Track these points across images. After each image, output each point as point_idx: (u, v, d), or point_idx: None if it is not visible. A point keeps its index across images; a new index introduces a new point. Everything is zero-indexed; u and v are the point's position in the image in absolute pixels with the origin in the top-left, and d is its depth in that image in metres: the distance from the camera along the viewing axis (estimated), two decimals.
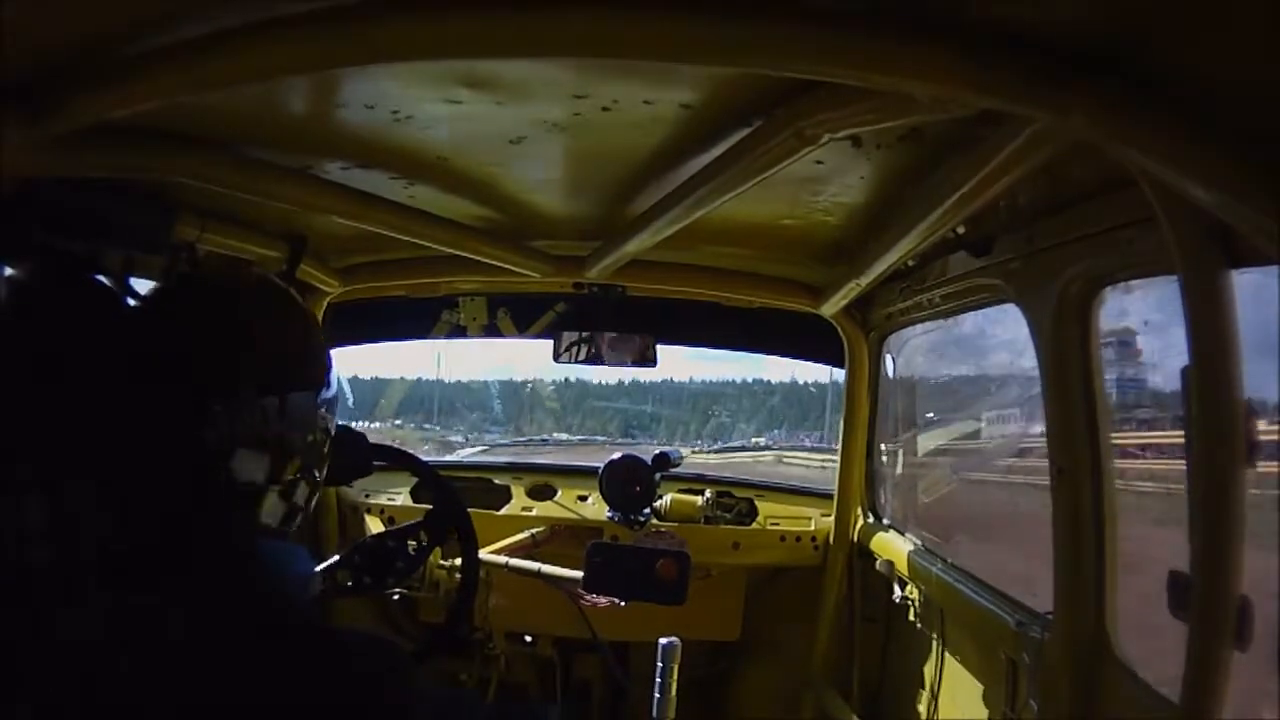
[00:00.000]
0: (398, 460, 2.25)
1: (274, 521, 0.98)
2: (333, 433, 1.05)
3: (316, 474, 1.03)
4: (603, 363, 2.70)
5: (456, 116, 1.35)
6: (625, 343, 2.65)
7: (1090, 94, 0.92)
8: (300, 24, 0.99)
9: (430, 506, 2.20)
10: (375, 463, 2.26)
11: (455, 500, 2.16)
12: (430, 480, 2.22)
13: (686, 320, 2.77)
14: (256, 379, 0.96)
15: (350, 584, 2.09)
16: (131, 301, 1.01)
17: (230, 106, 1.31)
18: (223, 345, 0.96)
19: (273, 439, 0.96)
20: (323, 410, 1.03)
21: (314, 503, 1.04)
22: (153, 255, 1.65)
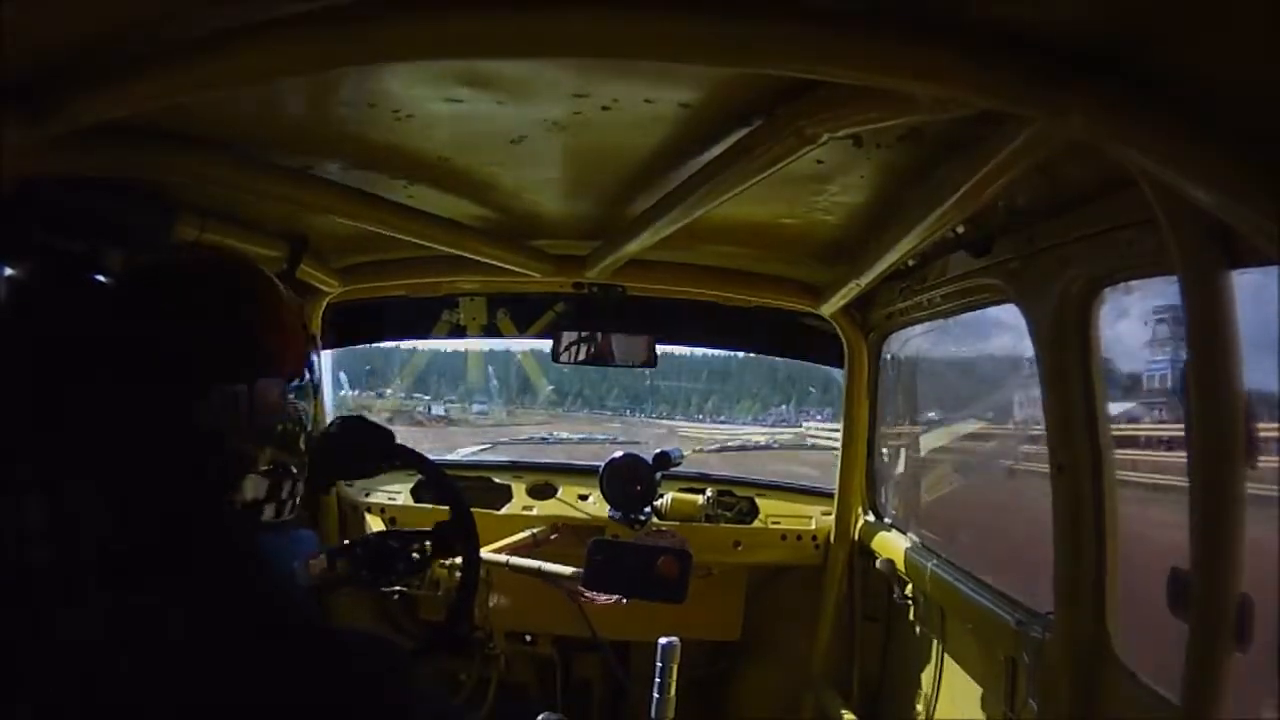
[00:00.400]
0: (411, 463, 2.23)
1: (260, 515, 0.98)
2: (308, 424, 1.04)
3: (294, 467, 1.02)
4: (603, 362, 2.70)
5: (456, 116, 1.35)
6: (625, 342, 2.65)
7: (1090, 94, 0.92)
8: (300, 24, 0.99)
9: (432, 507, 2.19)
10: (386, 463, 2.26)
11: (468, 517, 2.13)
12: (450, 497, 2.17)
13: (686, 320, 2.77)
14: (218, 367, 0.94)
15: (348, 574, 2.08)
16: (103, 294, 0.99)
17: (230, 106, 1.31)
18: (177, 332, 0.94)
19: (241, 429, 0.95)
20: (293, 398, 1.01)
21: (296, 496, 1.03)
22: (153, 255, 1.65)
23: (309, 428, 1.05)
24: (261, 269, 1.06)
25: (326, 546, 2.03)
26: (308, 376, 1.05)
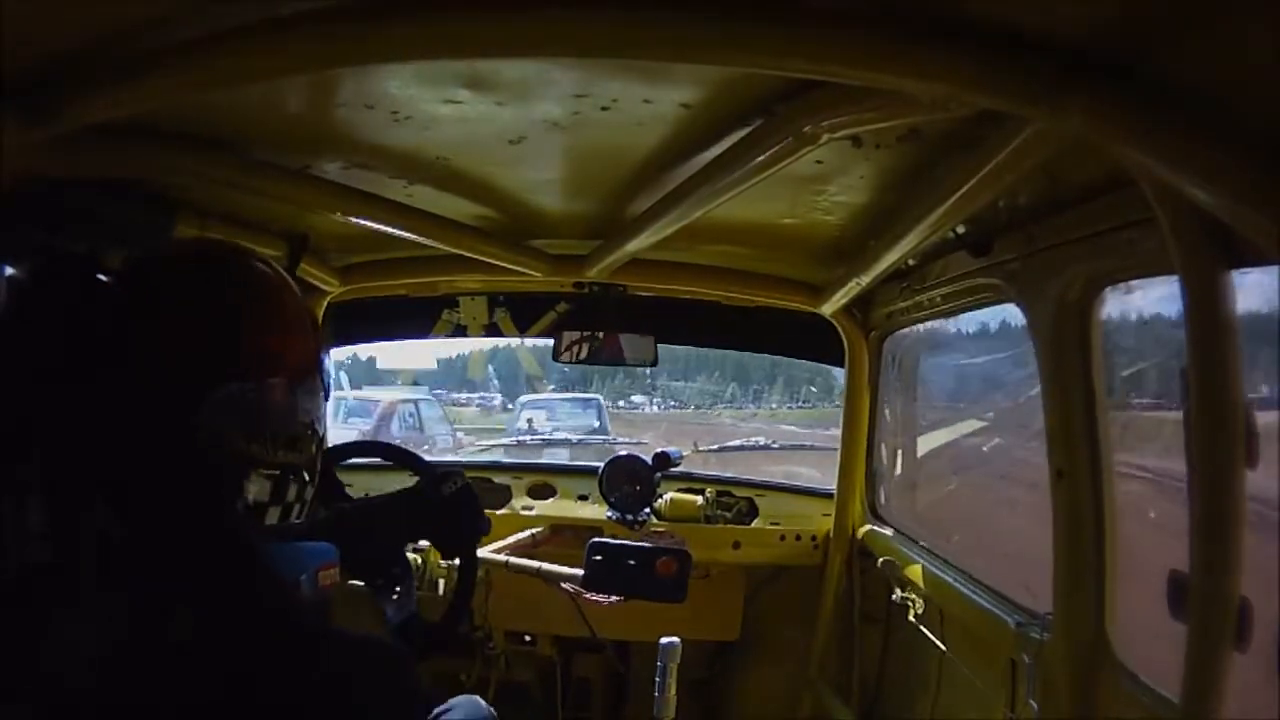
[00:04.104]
0: (405, 463, 2.23)
1: (264, 518, 0.97)
2: (320, 426, 1.04)
3: (305, 471, 1.01)
4: (604, 362, 2.70)
5: (456, 116, 1.35)
6: (627, 342, 2.66)
7: (1090, 94, 0.92)
8: (300, 24, 0.99)
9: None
10: (382, 460, 2.26)
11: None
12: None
13: (687, 319, 2.77)
14: (222, 366, 0.94)
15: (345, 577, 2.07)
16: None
17: (230, 106, 1.31)
18: (179, 331, 0.94)
19: (246, 430, 0.94)
20: (301, 398, 1.00)
21: (305, 500, 1.02)
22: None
23: (321, 430, 1.05)
24: (270, 263, 1.06)
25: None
26: (317, 376, 1.04)
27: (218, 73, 1.07)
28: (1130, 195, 1.18)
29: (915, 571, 2.30)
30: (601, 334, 2.65)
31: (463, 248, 2.07)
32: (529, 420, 11.83)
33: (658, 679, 2.04)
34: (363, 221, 1.84)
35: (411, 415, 11.14)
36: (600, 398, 14.15)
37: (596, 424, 12.20)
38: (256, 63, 1.04)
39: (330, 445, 2.17)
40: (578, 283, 2.53)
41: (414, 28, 0.98)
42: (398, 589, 2.09)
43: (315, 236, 2.16)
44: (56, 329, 0.91)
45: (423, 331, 2.90)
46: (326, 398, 1.08)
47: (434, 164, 1.62)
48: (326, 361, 1.10)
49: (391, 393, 12.00)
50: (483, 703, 1.37)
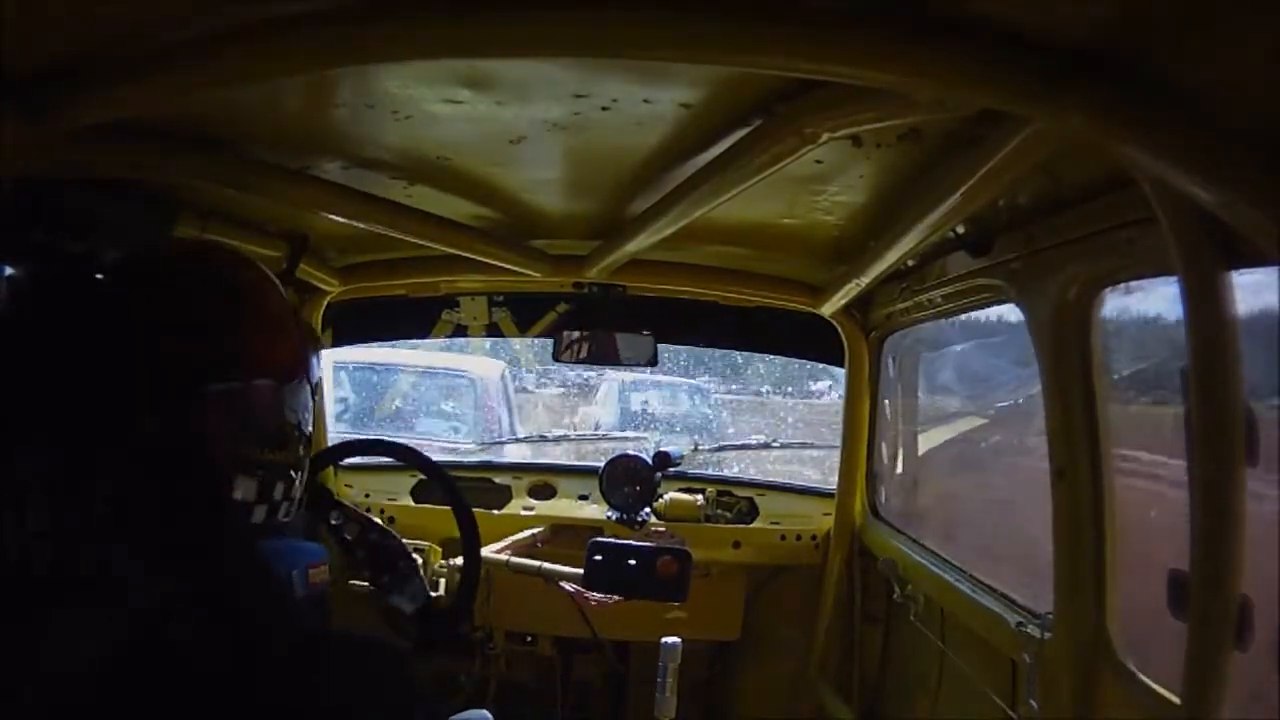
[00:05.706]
0: (409, 460, 2.24)
1: (250, 517, 0.97)
2: (306, 426, 1.04)
3: (291, 470, 1.01)
4: (604, 362, 2.71)
5: (456, 116, 1.35)
6: (627, 342, 2.66)
7: (1090, 94, 0.92)
8: (300, 24, 0.99)
9: (433, 507, 2.19)
10: (381, 459, 2.27)
11: (469, 517, 2.13)
12: (452, 498, 2.17)
13: (687, 319, 2.78)
14: (206, 367, 0.94)
15: (348, 575, 2.08)
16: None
17: (230, 106, 1.31)
18: (164, 333, 0.94)
19: (232, 430, 0.94)
20: (289, 402, 1.01)
21: (293, 498, 1.03)
22: None
23: (309, 430, 1.05)
24: (256, 264, 1.06)
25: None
26: (303, 377, 1.04)
27: (218, 73, 1.07)
28: (1130, 195, 1.18)
29: (916, 570, 2.30)
30: (601, 334, 2.65)
31: (462, 248, 2.07)
32: None
33: (658, 679, 2.04)
34: (363, 222, 1.84)
35: None
36: None
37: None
38: (256, 63, 1.04)
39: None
40: (577, 283, 2.53)
41: (414, 28, 0.98)
42: (406, 584, 2.11)
43: (315, 236, 2.16)
44: (56, 329, 0.91)
45: (422, 332, 2.91)
46: (314, 396, 1.08)
47: (434, 164, 1.62)
48: (315, 361, 1.10)
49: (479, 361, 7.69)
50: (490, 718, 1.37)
